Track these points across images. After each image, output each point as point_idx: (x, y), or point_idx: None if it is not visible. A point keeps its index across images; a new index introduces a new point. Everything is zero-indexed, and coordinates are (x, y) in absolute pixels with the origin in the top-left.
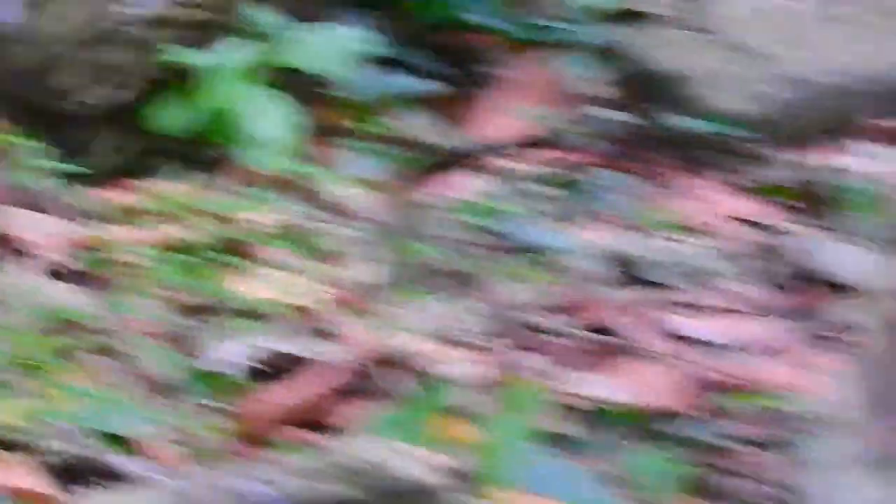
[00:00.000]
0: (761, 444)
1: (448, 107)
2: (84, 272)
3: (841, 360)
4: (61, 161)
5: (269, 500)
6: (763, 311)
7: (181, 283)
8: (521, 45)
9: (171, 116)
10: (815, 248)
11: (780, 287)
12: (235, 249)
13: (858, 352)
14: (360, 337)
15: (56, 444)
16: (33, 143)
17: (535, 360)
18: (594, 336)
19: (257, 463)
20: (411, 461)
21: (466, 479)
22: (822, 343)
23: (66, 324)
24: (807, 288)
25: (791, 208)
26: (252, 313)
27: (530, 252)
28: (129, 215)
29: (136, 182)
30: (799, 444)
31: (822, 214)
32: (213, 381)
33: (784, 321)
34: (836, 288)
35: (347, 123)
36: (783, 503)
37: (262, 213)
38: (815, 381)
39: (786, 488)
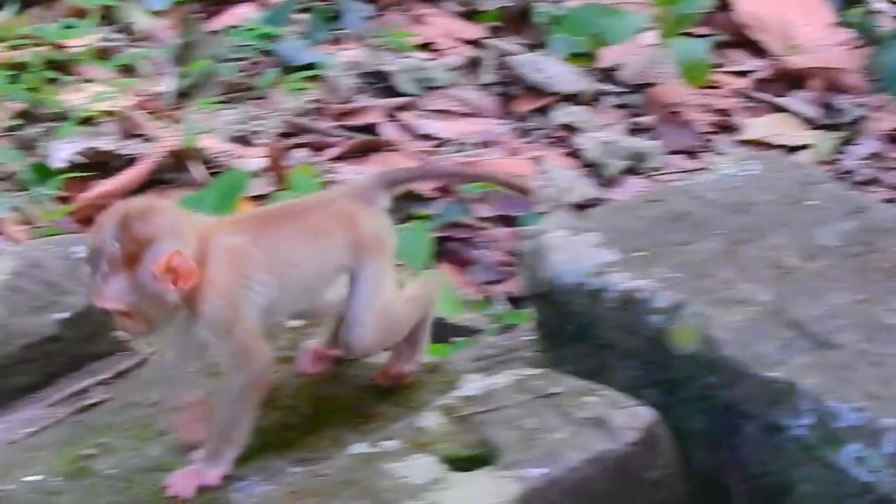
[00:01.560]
0: (495, 220)
1: None
2: None
3: (548, 152)
4: None
5: None
6: (488, 113)
7: (20, 95)
8: None
9: None
10: (526, 62)
11: (501, 94)
12: (61, 68)
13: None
14: (166, 137)
15: None
16: None
17: (311, 156)
18: (357, 136)
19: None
20: None
21: None
22: (534, 138)
23: None
24: (522, 94)
25: (505, 30)
26: (77, 119)
27: (301, 69)
28: None
29: None
30: (521, 219)
31: (530, 34)
32: (49, 174)
33: (505, 122)
34: (545, 94)
35: None
36: (511, 265)
37: (80, 38)
38: (530, 168)
39: (513, 253)
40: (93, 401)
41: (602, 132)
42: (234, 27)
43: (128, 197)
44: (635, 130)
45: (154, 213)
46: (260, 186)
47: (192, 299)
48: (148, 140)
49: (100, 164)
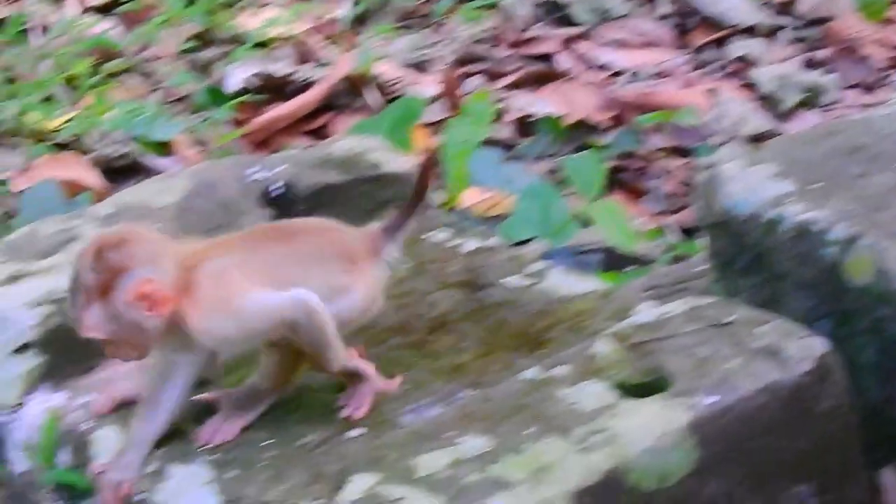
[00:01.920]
0: (668, 151)
1: None
2: (117, 9)
3: (723, 84)
4: None
5: (272, 184)
6: (663, 44)
7: (196, 19)
8: None
9: None
10: None
11: (677, 26)
12: None
13: None
14: (341, 62)
15: (102, 147)
16: None
17: (485, 84)
18: (533, 65)
19: (262, 158)
20: (388, 155)
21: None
22: (710, 70)
23: (104, 48)
24: (698, 26)
25: None
26: (252, 43)
27: None
28: None
29: None
30: (695, 150)
31: None
32: (223, 97)
33: (680, 53)
34: (721, 26)
35: None
36: (685, 196)
37: None
38: (707, 101)
39: (686, 184)
40: None
41: (778, 65)
42: None
43: (300, 121)
44: (811, 64)
45: (128, 243)
46: (434, 113)
47: (177, 324)
48: (322, 65)
49: (274, 89)
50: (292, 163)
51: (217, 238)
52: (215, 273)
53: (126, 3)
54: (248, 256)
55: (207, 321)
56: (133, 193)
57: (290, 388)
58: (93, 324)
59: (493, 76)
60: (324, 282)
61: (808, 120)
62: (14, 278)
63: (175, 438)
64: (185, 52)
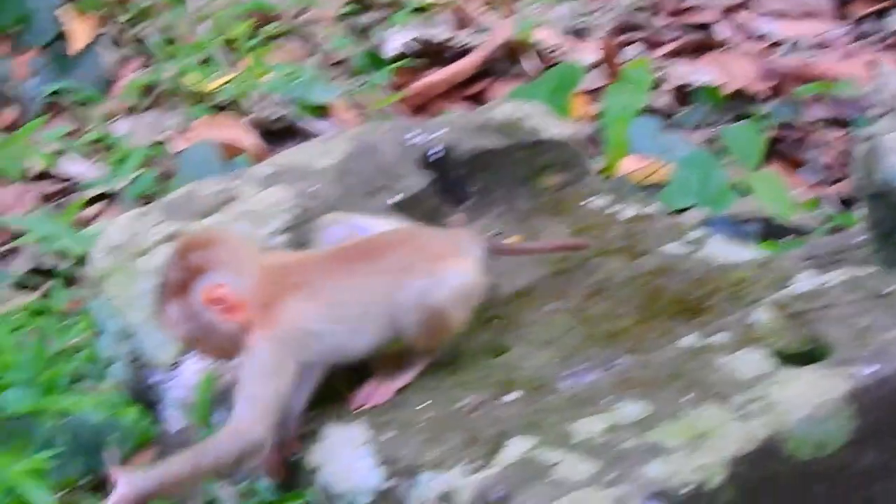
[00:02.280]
0: (827, 122)
1: None
2: None
3: (884, 56)
4: None
5: (431, 148)
6: (824, 15)
7: None
8: None
9: None
10: None
11: None
12: None
13: None
14: (499, 28)
15: (260, 109)
16: None
17: (644, 52)
18: (691, 34)
19: (421, 122)
20: (547, 121)
21: (590, 142)
22: (870, 42)
23: (263, 11)
24: None
25: None
26: (411, 8)
27: None
28: None
29: None
30: (854, 122)
31: None
32: (382, 62)
33: (841, 24)
34: None
35: None
36: (843, 167)
37: None
38: (866, 73)
39: (845, 154)
40: None
41: None
42: None
43: (458, 86)
44: None
45: (213, 245)
46: (592, 80)
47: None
48: (481, 31)
49: (432, 54)
50: (451, 127)
51: (305, 254)
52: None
53: None
54: (335, 280)
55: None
56: (292, 155)
57: (442, 351)
58: (170, 320)
59: (652, 45)
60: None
61: None
62: (173, 238)
63: (331, 400)
64: (344, 15)
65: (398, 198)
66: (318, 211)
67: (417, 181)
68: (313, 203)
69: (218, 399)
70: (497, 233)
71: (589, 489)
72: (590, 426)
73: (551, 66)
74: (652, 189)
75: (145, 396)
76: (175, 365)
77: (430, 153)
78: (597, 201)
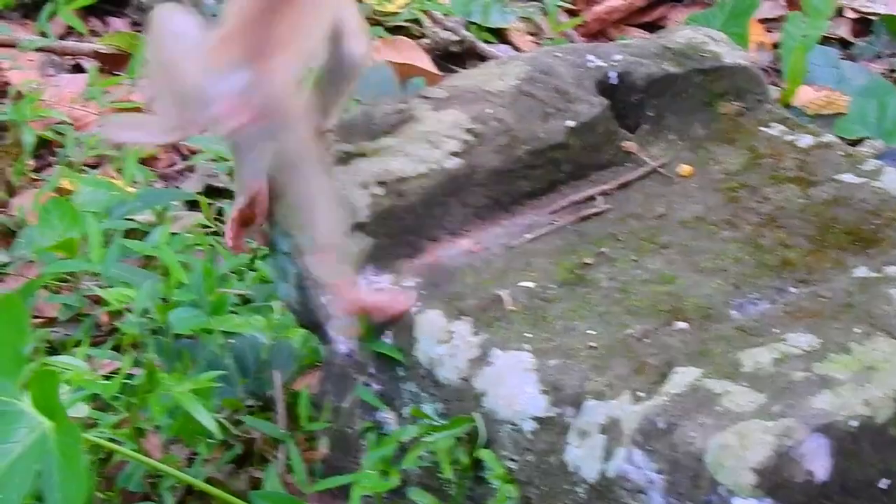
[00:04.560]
0: None
1: None
2: None
3: None
4: None
5: (608, 73)
6: None
7: None
8: None
9: None
10: None
11: None
12: None
13: None
14: None
15: (437, 32)
16: None
17: None
18: None
19: (599, 46)
20: (725, 48)
21: (766, 70)
22: None
23: None
24: None
25: None
26: None
27: None
28: None
29: None
30: None
31: None
32: None
33: None
34: None
35: None
36: None
37: None
38: None
39: None
40: (594, 210)
41: None
42: None
43: (635, 13)
44: None
45: None
46: (770, 9)
47: None
48: None
49: None
50: (628, 52)
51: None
52: None
53: None
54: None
55: None
56: (468, 78)
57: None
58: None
59: None
60: None
61: None
62: (348, 158)
63: (498, 323)
64: None
65: (573, 122)
66: (494, 134)
67: (593, 106)
68: (488, 126)
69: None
70: None
71: (755, 420)
72: (758, 357)
73: None
74: (828, 119)
75: (313, 317)
76: None
77: (608, 78)
78: (772, 129)
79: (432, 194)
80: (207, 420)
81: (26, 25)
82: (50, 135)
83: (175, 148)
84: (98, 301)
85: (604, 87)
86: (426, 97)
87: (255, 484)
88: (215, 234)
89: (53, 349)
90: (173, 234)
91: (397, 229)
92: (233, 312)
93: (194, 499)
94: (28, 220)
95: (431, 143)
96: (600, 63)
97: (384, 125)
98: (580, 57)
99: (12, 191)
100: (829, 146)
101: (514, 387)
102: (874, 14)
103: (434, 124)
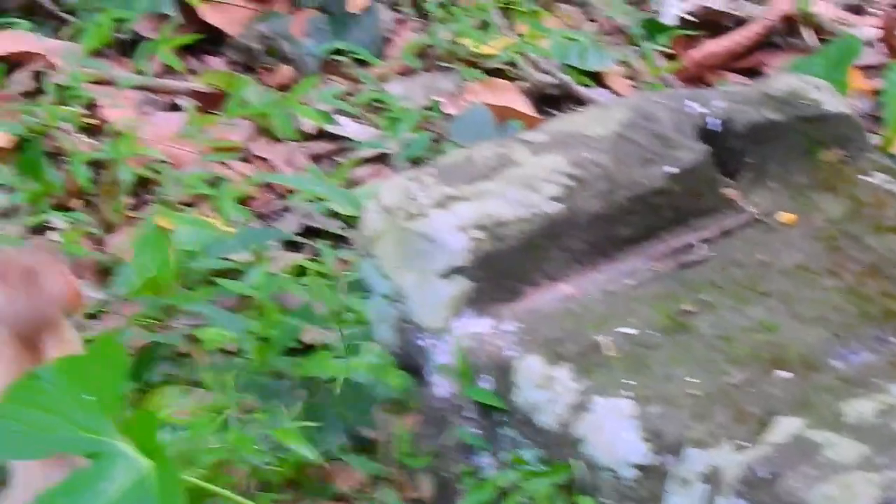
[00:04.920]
0: None
1: None
2: None
3: None
4: None
5: (709, 119)
6: None
7: None
8: None
9: None
10: None
11: None
12: None
13: None
14: (780, 1)
15: (534, 75)
16: None
17: None
18: None
19: (700, 92)
20: (826, 95)
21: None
22: None
23: None
24: None
25: None
26: None
27: None
28: None
29: None
30: None
31: None
32: (658, 30)
33: None
34: None
35: None
36: None
37: None
38: None
39: None
40: (695, 257)
41: None
42: None
43: (733, 57)
44: None
45: None
46: (870, 56)
47: None
48: (760, 2)
49: (710, 24)
50: (730, 98)
51: None
52: None
53: None
54: None
55: None
56: (567, 122)
57: None
58: None
59: None
60: None
61: None
62: (447, 201)
63: (598, 369)
64: None
65: (675, 168)
66: (594, 178)
67: (694, 152)
68: (588, 171)
69: (485, 366)
70: None
71: (858, 472)
72: (860, 407)
73: (826, 41)
74: None
75: (412, 360)
76: (443, 330)
77: (708, 124)
78: (874, 178)
79: (532, 238)
80: (312, 455)
81: (124, 63)
82: (147, 173)
83: (272, 188)
84: (194, 340)
85: (704, 133)
86: (525, 140)
87: None
88: (310, 273)
89: (151, 388)
90: (270, 274)
91: (496, 273)
92: (330, 353)
93: None
94: (124, 258)
95: (531, 186)
96: (700, 109)
97: (483, 168)
98: (680, 102)
99: (109, 228)
100: None
101: (614, 433)
102: None
103: (534, 168)
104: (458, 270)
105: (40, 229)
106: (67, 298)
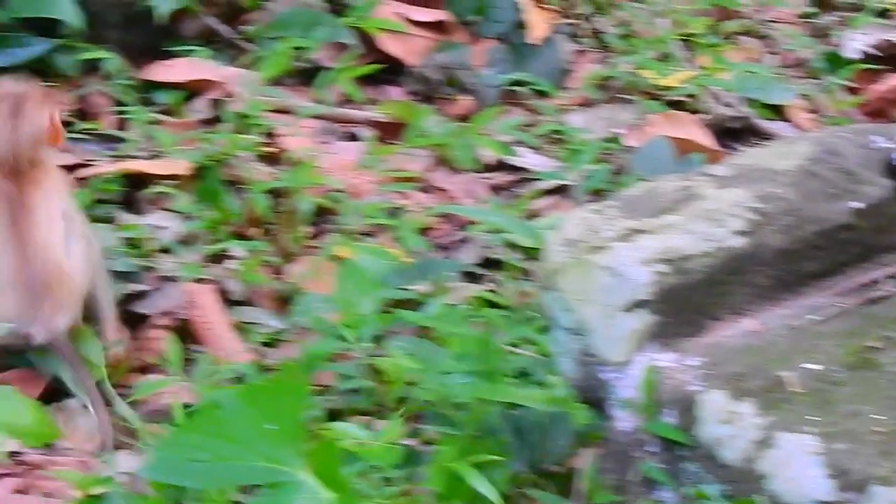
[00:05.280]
0: None
1: None
2: None
3: None
4: None
5: (891, 155)
6: None
7: None
8: None
9: None
10: None
11: None
12: None
13: None
14: None
15: (715, 107)
16: None
17: None
18: None
19: (885, 127)
20: None
21: None
22: None
23: (722, 8)
24: None
25: None
26: (873, 11)
27: None
28: None
29: None
30: None
31: None
32: (841, 63)
33: None
34: None
35: None
36: None
37: None
38: None
39: None
40: (881, 293)
41: None
42: None
43: None
44: None
45: None
46: None
47: None
48: None
49: (894, 58)
50: None
51: None
52: None
53: None
54: None
55: None
56: (751, 156)
57: None
58: None
59: None
60: None
61: None
62: (630, 234)
63: (782, 405)
64: (804, 16)
65: (861, 204)
66: (779, 213)
67: (880, 188)
68: (773, 205)
69: (669, 400)
70: None
71: None
72: None
73: None
74: None
75: (593, 393)
76: (626, 363)
77: (892, 160)
78: None
79: (716, 273)
80: (490, 493)
81: (302, 92)
82: (325, 202)
83: (451, 218)
84: (375, 370)
85: (890, 169)
86: (709, 174)
87: None
88: (493, 305)
89: (331, 417)
90: (449, 305)
91: (680, 307)
92: (512, 384)
93: None
94: (304, 287)
95: (715, 221)
96: (886, 144)
97: (667, 201)
98: (864, 137)
99: (288, 257)
100: None
101: (799, 470)
102: None
103: (718, 202)
104: (641, 304)
105: (218, 257)
106: (49, 132)
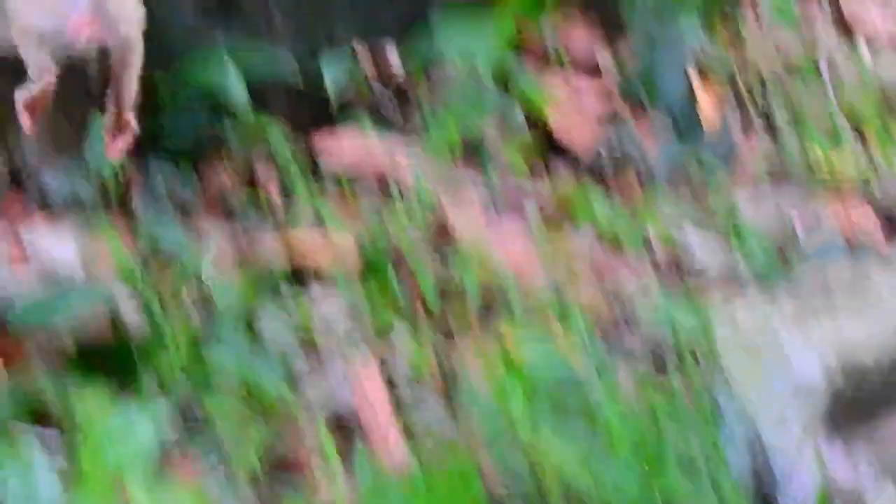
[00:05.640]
0: None
1: None
2: None
3: None
4: None
5: None
6: None
7: None
8: None
9: None
10: None
11: None
12: None
13: None
14: None
15: (888, 194)
16: None
17: None
18: None
19: None
20: None
21: None
22: None
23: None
24: None
25: None
26: None
27: None
28: None
29: None
30: None
31: None
32: None
33: None
34: None
35: None
36: None
37: None
38: None
39: None
40: None
41: None
42: None
43: None
44: None
45: None
46: None
47: None
48: None
49: None
50: None
51: None
52: None
53: None
54: None
55: None
56: None
57: None
58: None
59: None
60: None
61: None
62: (801, 322)
63: None
64: None
65: None
66: None
67: None
68: None
69: (836, 493)
70: None
71: None
72: None
73: None
74: None
75: (764, 484)
76: (797, 455)
77: None
78: None
79: (890, 363)
80: None
81: (469, 167)
82: (493, 282)
83: (618, 301)
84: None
85: None
86: (883, 260)
87: None
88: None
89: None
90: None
91: (852, 398)
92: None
93: None
94: (468, 369)
95: (889, 309)
96: None
97: (839, 288)
98: None
99: (454, 339)
100: None
101: None
102: None
103: (892, 290)
104: (812, 394)
105: (384, 335)
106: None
